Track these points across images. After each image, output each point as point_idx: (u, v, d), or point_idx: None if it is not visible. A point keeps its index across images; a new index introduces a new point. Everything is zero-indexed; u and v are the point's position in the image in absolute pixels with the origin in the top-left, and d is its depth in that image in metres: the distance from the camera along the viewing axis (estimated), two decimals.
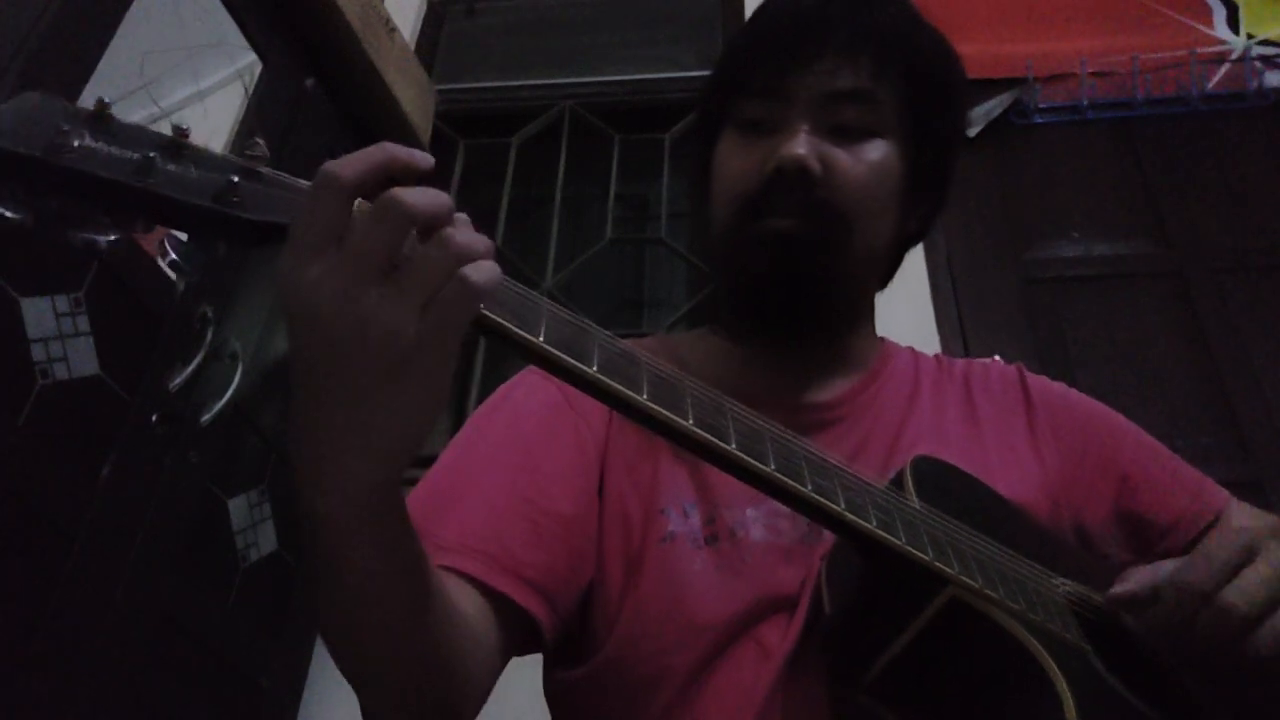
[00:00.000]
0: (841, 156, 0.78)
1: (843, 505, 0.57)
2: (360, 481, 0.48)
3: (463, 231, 0.47)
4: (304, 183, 0.47)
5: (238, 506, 1.73)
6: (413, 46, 2.71)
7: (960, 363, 0.93)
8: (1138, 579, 0.64)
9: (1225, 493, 0.85)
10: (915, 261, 2.30)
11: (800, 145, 0.77)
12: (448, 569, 0.66)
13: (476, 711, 0.66)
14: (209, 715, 1.63)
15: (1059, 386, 0.91)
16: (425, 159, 0.47)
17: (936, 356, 0.94)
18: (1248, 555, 0.60)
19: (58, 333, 1.31)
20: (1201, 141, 2.48)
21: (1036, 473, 0.82)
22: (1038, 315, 2.30)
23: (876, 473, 0.73)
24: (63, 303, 1.33)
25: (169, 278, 1.58)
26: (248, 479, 1.78)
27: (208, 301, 1.63)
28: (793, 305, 0.80)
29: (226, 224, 0.45)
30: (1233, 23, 2.60)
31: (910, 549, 0.59)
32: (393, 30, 2.34)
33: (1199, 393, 2.15)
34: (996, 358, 2.20)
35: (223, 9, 1.83)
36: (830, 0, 0.81)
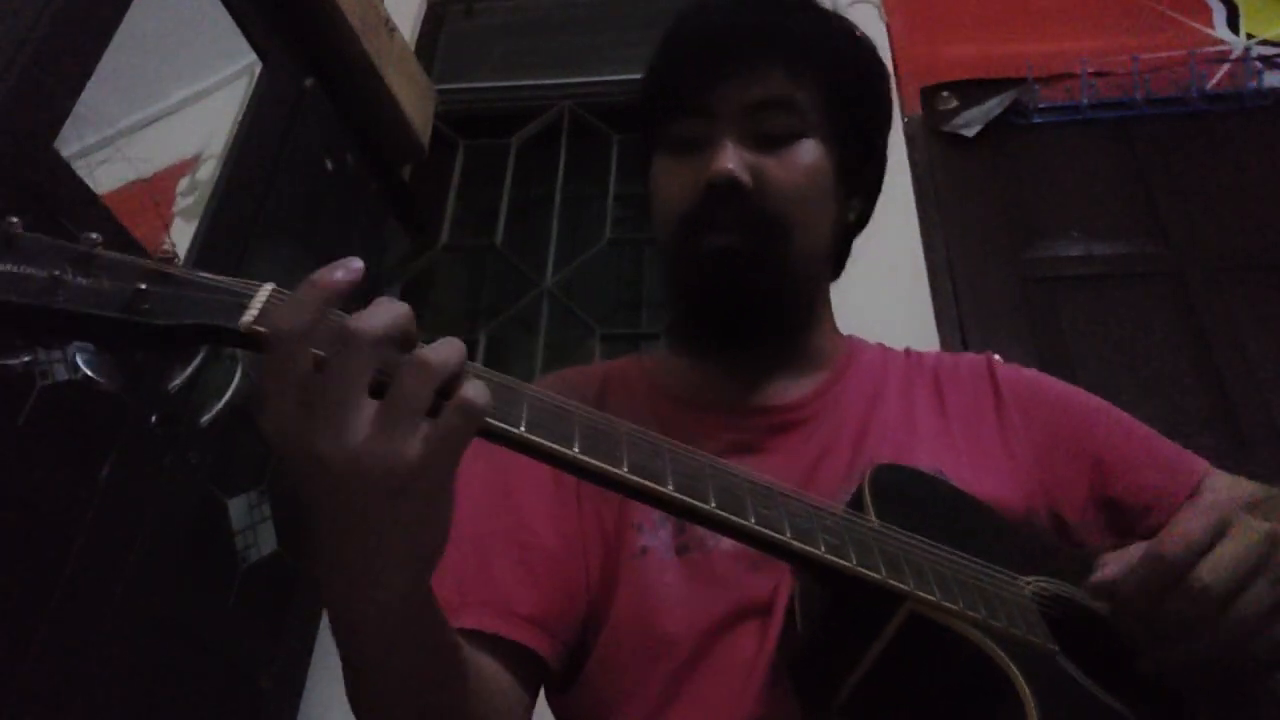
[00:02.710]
0: (771, 165, 0.79)
1: (789, 534, 0.57)
2: (390, 593, 0.49)
3: (437, 350, 0.47)
4: (212, 277, 0.48)
5: (237, 507, 1.73)
6: (413, 46, 2.71)
7: (930, 355, 0.93)
8: (1113, 565, 0.64)
9: (1203, 463, 0.84)
10: (915, 261, 2.30)
11: (728, 159, 0.78)
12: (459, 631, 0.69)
13: None
14: (209, 715, 1.63)
15: (1029, 373, 0.91)
16: (355, 270, 0.47)
17: (906, 350, 0.93)
18: (1218, 532, 0.60)
19: None
20: (1201, 141, 2.48)
21: (1007, 466, 0.82)
22: (1037, 315, 2.30)
23: (843, 472, 0.74)
24: None
25: None
26: (247, 479, 1.78)
27: None
28: (740, 316, 0.81)
29: (137, 332, 0.45)
30: (1233, 23, 2.60)
31: (862, 569, 0.58)
32: (393, 30, 2.33)
33: (1199, 393, 2.15)
34: (996, 357, 2.21)
35: (223, 9, 1.83)
36: (738, 12, 0.84)
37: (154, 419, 1.48)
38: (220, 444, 1.67)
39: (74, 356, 0.49)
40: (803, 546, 0.57)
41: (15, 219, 0.43)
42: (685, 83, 0.82)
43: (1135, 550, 0.63)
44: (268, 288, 0.48)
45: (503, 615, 0.71)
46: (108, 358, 0.49)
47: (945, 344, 2.21)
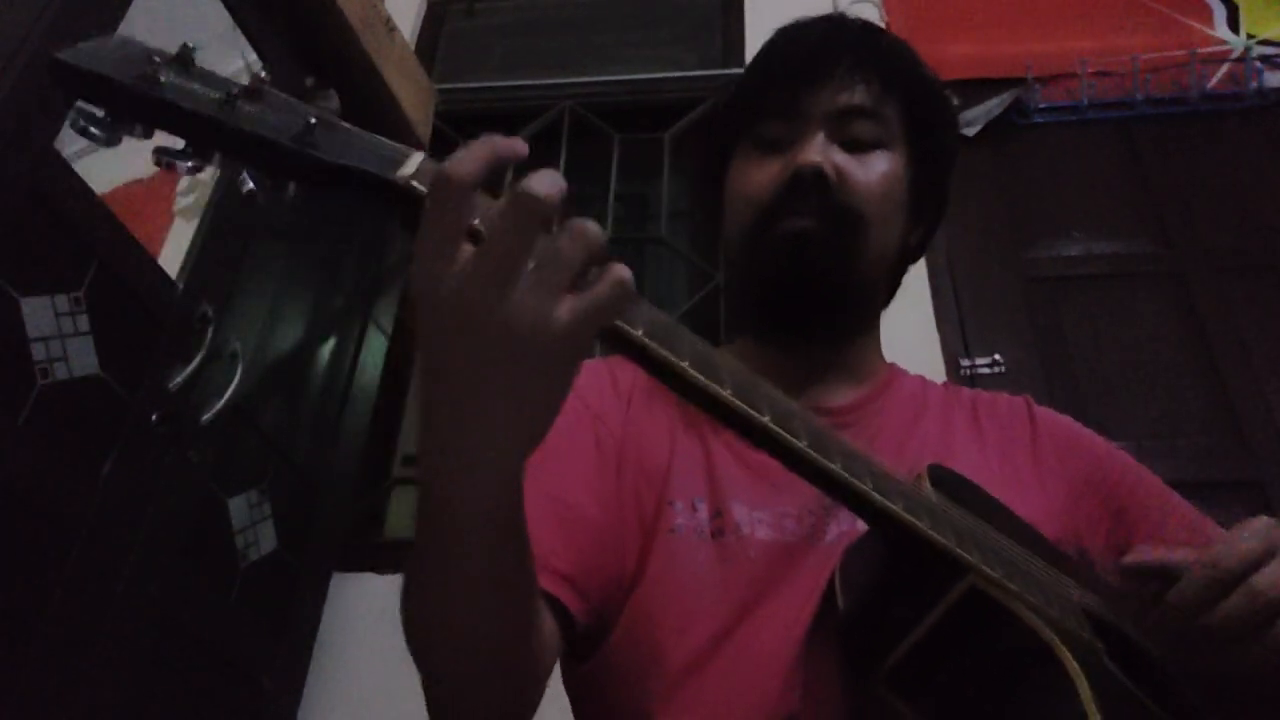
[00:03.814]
0: (854, 165, 0.84)
1: (870, 486, 0.58)
2: (498, 472, 0.50)
3: (589, 223, 0.47)
4: (369, 134, 0.49)
5: (238, 506, 1.73)
6: (413, 46, 2.71)
7: (968, 391, 0.96)
8: (1149, 552, 0.65)
9: (1222, 531, 0.86)
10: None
11: (816, 153, 0.82)
12: None
13: (534, 713, 0.68)
14: (209, 715, 1.64)
15: (1065, 418, 0.93)
16: (524, 146, 0.48)
17: (945, 384, 0.97)
18: (1270, 550, 0.61)
19: (58, 332, 1.32)
20: (1201, 141, 2.48)
21: (1039, 496, 0.83)
22: (1038, 314, 2.30)
23: None
24: (63, 302, 1.33)
25: (169, 277, 1.58)
26: (248, 478, 1.78)
27: (208, 301, 1.63)
28: (809, 304, 0.84)
29: (302, 163, 0.47)
30: (1233, 23, 2.60)
31: (934, 534, 0.59)
32: (393, 30, 2.34)
33: (1199, 393, 2.15)
34: (997, 356, 2.22)
35: (223, 9, 1.84)
36: (836, 29, 0.90)
37: (155, 417, 1.48)
38: (221, 442, 1.68)
39: (242, 174, 0.51)
40: (883, 501, 0.58)
41: (195, 46, 0.47)
42: (779, 86, 0.87)
43: (1178, 550, 0.64)
44: (420, 154, 0.49)
45: (542, 568, 0.70)
46: (269, 184, 0.51)
47: (945, 343, 2.21)
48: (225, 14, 1.84)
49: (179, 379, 1.53)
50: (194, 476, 1.60)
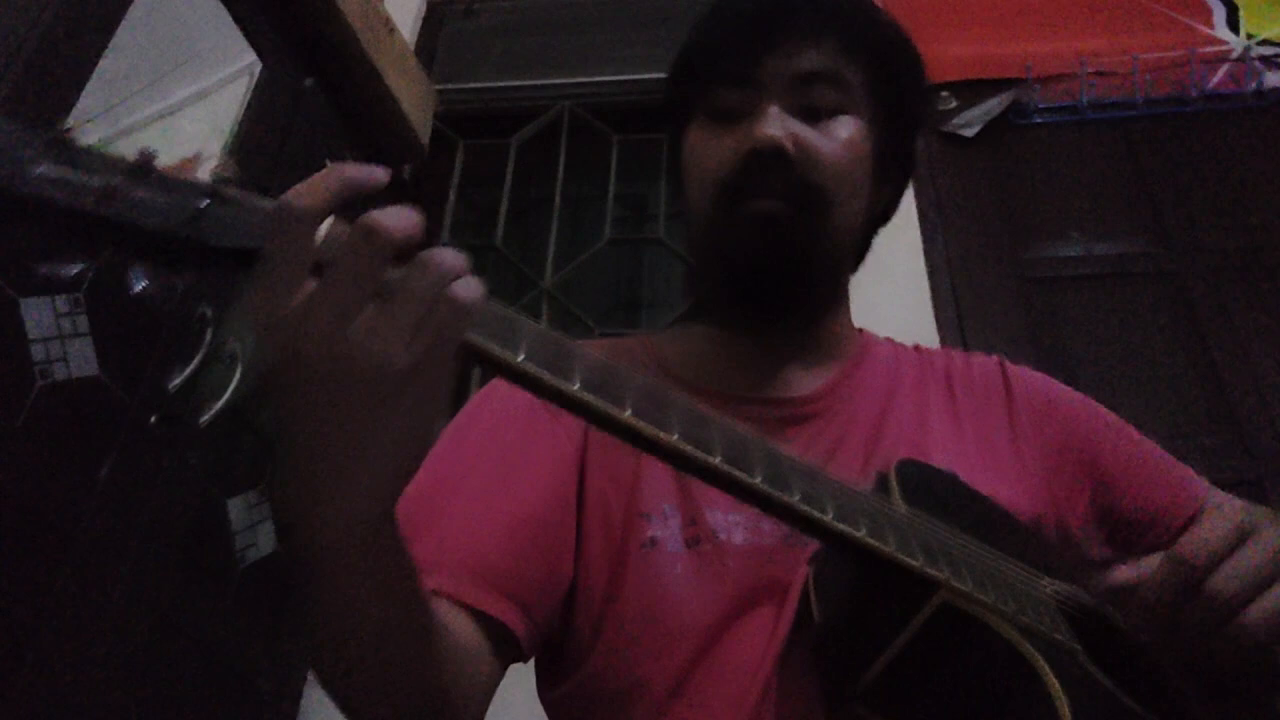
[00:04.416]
0: (814, 135, 0.79)
1: (831, 514, 0.56)
2: (358, 514, 0.47)
3: (443, 253, 0.45)
4: (274, 201, 0.45)
5: (236, 507, 1.73)
6: (412, 46, 2.71)
7: (940, 354, 0.92)
8: (1130, 568, 0.64)
9: (1206, 484, 0.85)
10: (914, 261, 2.30)
11: (773, 126, 0.77)
12: (432, 592, 0.64)
13: None
14: (208, 716, 1.63)
15: (1039, 378, 0.90)
16: (381, 175, 0.45)
17: (916, 347, 0.93)
18: (1239, 538, 0.60)
19: (57, 333, 1.31)
20: (1201, 141, 2.48)
21: (1017, 472, 0.81)
22: (1037, 315, 2.30)
23: (856, 468, 0.73)
24: (63, 303, 1.32)
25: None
26: (246, 479, 1.78)
27: (207, 302, 1.63)
28: (779, 286, 0.80)
29: (196, 251, 0.43)
30: (1233, 23, 2.60)
31: (900, 555, 0.58)
32: (392, 30, 2.33)
33: (1199, 393, 2.15)
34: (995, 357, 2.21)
35: (223, 9, 1.83)
36: None
37: (153, 419, 1.48)
38: (219, 444, 1.68)
39: (131, 275, 0.47)
40: (845, 529, 0.56)
41: (70, 126, 0.42)
42: (733, 52, 0.81)
43: (1152, 558, 0.62)
44: (330, 218, 0.46)
45: (487, 588, 0.68)
46: (162, 272, 0.47)
47: (944, 343, 2.21)
48: (225, 14, 1.84)
49: (178, 380, 1.53)
50: (192, 478, 1.60)
